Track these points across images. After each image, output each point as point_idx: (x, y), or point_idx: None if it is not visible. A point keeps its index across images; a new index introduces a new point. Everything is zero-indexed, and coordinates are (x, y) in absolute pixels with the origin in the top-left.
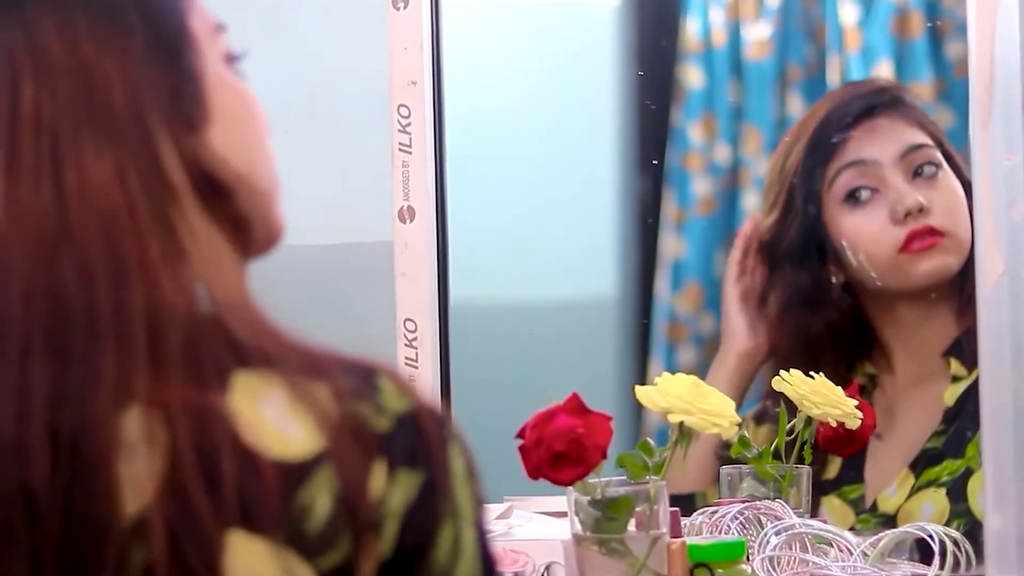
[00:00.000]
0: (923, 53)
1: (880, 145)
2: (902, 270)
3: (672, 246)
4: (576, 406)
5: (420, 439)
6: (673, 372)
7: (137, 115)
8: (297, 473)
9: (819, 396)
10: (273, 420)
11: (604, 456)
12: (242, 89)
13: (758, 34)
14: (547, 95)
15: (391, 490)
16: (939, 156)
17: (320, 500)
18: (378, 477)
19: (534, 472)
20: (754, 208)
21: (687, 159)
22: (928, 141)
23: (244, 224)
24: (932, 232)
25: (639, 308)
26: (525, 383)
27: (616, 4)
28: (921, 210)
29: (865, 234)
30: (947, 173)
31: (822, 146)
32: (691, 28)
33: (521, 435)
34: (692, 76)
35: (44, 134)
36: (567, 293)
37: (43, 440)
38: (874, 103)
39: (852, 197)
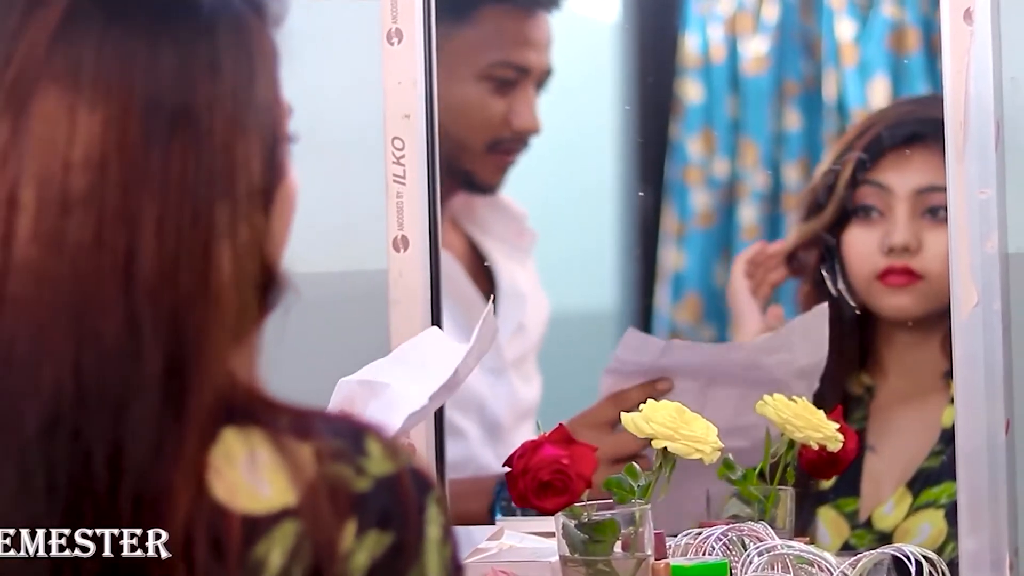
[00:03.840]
0: (919, 68)
1: (903, 175)
2: (872, 296)
3: (672, 258)
4: (562, 437)
5: (396, 502)
6: None
7: (252, 201)
8: (259, 527)
9: (801, 420)
10: (248, 477)
11: (589, 485)
12: (292, 178)
13: (756, 49)
14: (547, 110)
15: (358, 548)
16: None
17: (274, 554)
18: (348, 535)
19: (520, 500)
20: (752, 221)
21: (686, 173)
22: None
23: (270, 306)
24: (908, 273)
25: (639, 319)
26: None
27: (615, 21)
28: (906, 249)
29: (857, 251)
30: None
31: (863, 160)
32: (690, 44)
33: (509, 463)
34: (691, 91)
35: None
36: (568, 305)
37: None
38: (918, 131)
39: (863, 210)
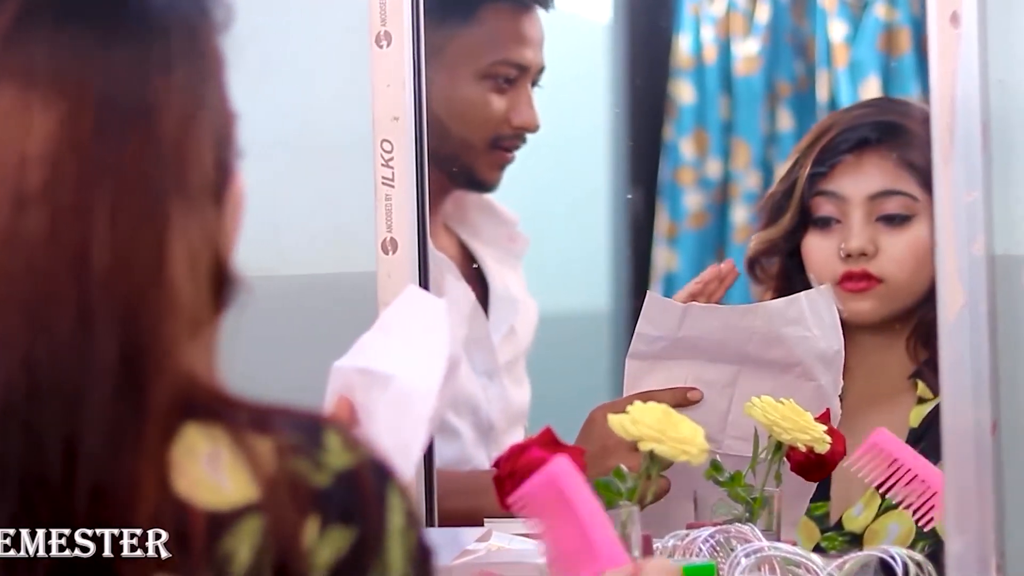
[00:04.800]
0: (910, 69)
1: (856, 181)
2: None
3: (665, 259)
4: (549, 440)
5: (357, 496)
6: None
7: (204, 199)
8: (224, 521)
9: (789, 422)
10: (208, 471)
11: None
12: (240, 179)
13: (747, 50)
14: (540, 110)
15: (321, 545)
16: (914, 206)
17: (242, 549)
18: (310, 532)
19: (506, 503)
20: (745, 221)
21: (679, 174)
22: (906, 189)
23: (223, 307)
24: (867, 277)
25: (633, 320)
26: None
27: (608, 21)
28: (863, 254)
29: (816, 258)
30: (921, 222)
31: (817, 168)
32: (682, 44)
33: (496, 466)
34: (684, 92)
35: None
36: (561, 305)
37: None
38: (869, 136)
39: (822, 220)
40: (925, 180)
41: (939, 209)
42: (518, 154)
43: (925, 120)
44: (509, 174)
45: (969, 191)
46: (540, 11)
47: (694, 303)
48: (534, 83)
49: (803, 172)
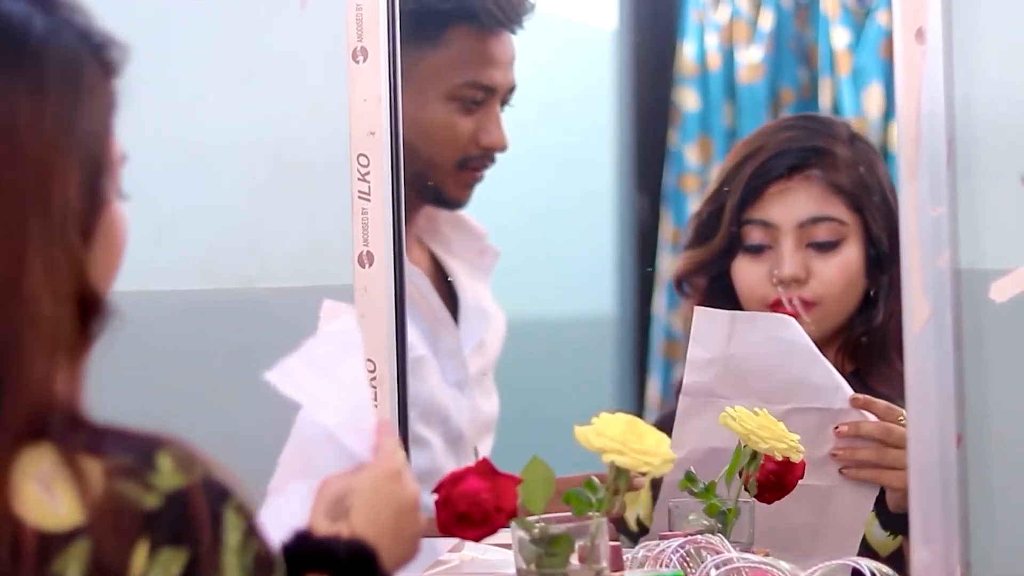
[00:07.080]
0: None
1: (785, 209)
2: None
3: (669, 265)
4: (486, 469)
5: (188, 517)
6: (670, 387)
7: (68, 223)
8: (54, 543)
9: (766, 431)
10: (38, 492)
11: (513, 515)
12: (121, 215)
13: (751, 57)
14: (546, 117)
15: (151, 568)
16: (842, 229)
17: (71, 572)
18: (139, 556)
19: (442, 528)
20: None
21: (683, 180)
22: (835, 214)
23: (91, 334)
24: (801, 302)
25: (637, 326)
26: (525, 399)
27: (613, 28)
28: (796, 280)
29: (746, 282)
30: (849, 244)
31: (746, 194)
32: (687, 52)
33: (436, 491)
34: (688, 99)
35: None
36: (566, 311)
37: None
38: (796, 162)
39: (754, 247)
40: (853, 201)
41: (905, 223)
42: (523, 159)
43: (850, 138)
44: (515, 180)
45: (934, 205)
46: (509, 32)
47: (739, 311)
48: (504, 102)
49: (732, 197)
